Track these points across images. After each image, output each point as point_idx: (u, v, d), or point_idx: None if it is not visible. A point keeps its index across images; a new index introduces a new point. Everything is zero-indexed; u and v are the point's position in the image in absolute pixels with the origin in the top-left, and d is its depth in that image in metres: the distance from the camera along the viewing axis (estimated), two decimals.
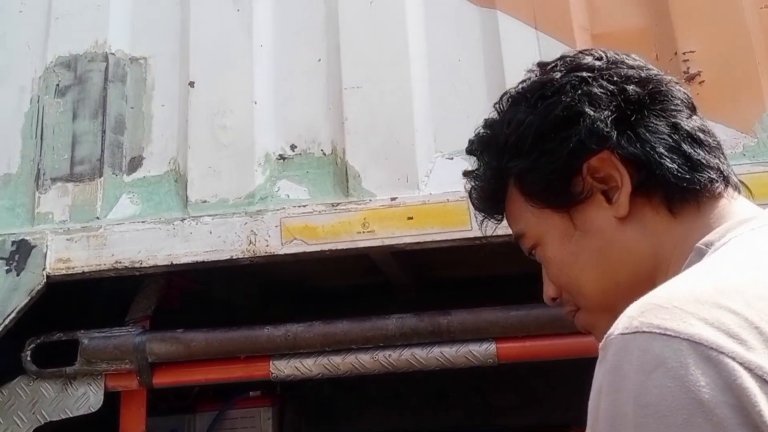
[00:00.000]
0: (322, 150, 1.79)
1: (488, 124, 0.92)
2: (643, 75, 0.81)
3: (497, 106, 0.91)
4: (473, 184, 0.95)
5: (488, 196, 0.93)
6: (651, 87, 0.80)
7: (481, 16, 1.80)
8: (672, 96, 0.80)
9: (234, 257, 1.70)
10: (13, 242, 1.77)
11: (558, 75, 0.84)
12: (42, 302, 1.75)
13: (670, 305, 0.55)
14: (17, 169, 1.90)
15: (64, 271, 1.74)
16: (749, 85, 1.64)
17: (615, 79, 0.80)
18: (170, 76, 1.90)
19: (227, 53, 1.86)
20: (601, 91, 0.79)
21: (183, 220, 1.74)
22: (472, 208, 1.59)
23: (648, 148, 0.77)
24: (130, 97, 1.92)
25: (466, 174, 0.97)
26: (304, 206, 1.71)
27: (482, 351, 1.71)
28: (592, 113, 0.78)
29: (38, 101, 1.94)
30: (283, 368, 1.77)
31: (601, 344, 0.58)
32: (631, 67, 0.82)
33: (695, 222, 0.75)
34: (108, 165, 1.85)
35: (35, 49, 1.98)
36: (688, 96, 0.83)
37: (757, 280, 0.57)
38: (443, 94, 1.78)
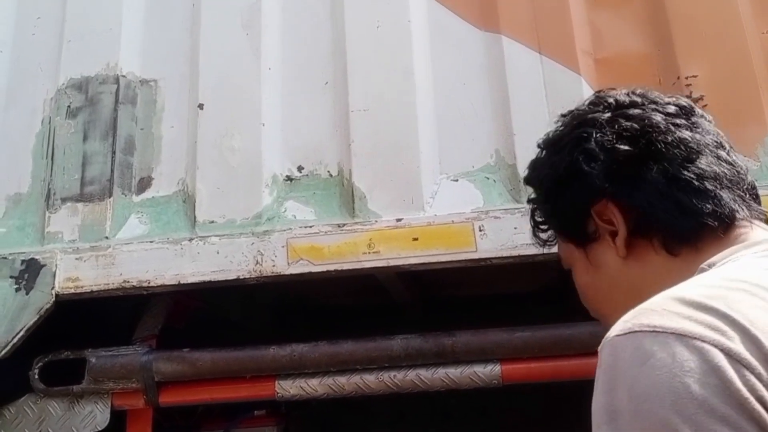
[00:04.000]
0: (328, 171, 1.81)
1: (532, 162, 1.06)
2: (638, 127, 0.88)
3: (539, 144, 1.05)
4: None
5: (533, 224, 1.08)
6: (646, 139, 0.87)
7: (486, 40, 1.83)
8: (669, 145, 0.86)
9: (241, 277, 1.71)
10: (23, 261, 1.79)
11: (567, 130, 0.97)
12: (50, 320, 1.77)
13: (660, 308, 0.63)
14: (28, 188, 1.93)
15: (72, 290, 1.76)
16: (751, 109, 1.66)
17: (609, 137, 0.89)
18: (180, 98, 1.93)
19: (236, 76, 1.89)
20: (598, 148, 0.89)
21: (191, 240, 1.76)
22: (476, 229, 1.63)
23: (640, 197, 0.86)
24: (140, 119, 1.94)
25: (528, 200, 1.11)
26: (311, 227, 1.73)
27: (487, 372, 1.71)
28: (587, 170, 0.89)
29: (49, 122, 1.97)
30: (289, 388, 1.77)
31: (599, 347, 0.66)
32: (632, 118, 0.89)
33: (694, 260, 0.81)
34: (117, 185, 1.87)
35: (47, 71, 2.02)
36: (700, 138, 0.88)
37: (735, 289, 0.64)
38: (448, 117, 1.80)
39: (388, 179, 1.75)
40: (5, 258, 1.80)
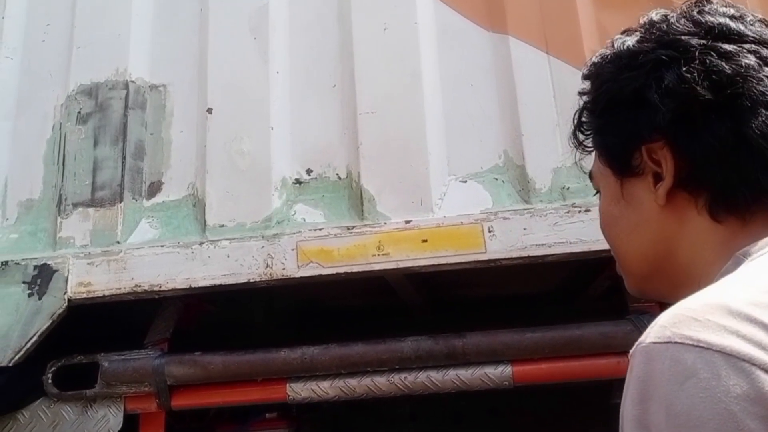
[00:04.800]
0: (337, 174, 1.82)
1: (600, 59, 0.90)
2: (728, 73, 0.75)
3: (614, 42, 0.88)
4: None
5: (577, 122, 0.95)
6: (732, 90, 0.74)
7: (493, 41, 1.83)
8: (756, 104, 0.74)
9: (251, 280, 1.72)
10: (35, 266, 1.81)
11: (648, 47, 0.82)
12: (63, 325, 1.78)
13: (703, 318, 0.56)
14: (39, 194, 1.94)
15: (85, 295, 1.77)
16: None
17: (694, 74, 0.76)
18: (189, 103, 1.94)
19: (244, 80, 1.90)
20: (676, 81, 0.77)
21: (201, 244, 1.77)
22: (485, 230, 1.63)
23: (699, 151, 0.76)
24: (149, 124, 1.96)
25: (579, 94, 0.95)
26: (320, 230, 1.73)
27: (498, 373, 1.71)
28: (656, 104, 0.78)
29: (60, 128, 1.98)
30: (300, 391, 1.78)
31: (631, 351, 0.60)
32: (725, 57, 0.76)
33: (739, 232, 0.74)
34: (128, 190, 1.89)
35: (58, 77, 2.04)
36: None
37: None
38: (456, 119, 1.80)
39: (396, 181, 1.75)
40: (18, 263, 1.82)
